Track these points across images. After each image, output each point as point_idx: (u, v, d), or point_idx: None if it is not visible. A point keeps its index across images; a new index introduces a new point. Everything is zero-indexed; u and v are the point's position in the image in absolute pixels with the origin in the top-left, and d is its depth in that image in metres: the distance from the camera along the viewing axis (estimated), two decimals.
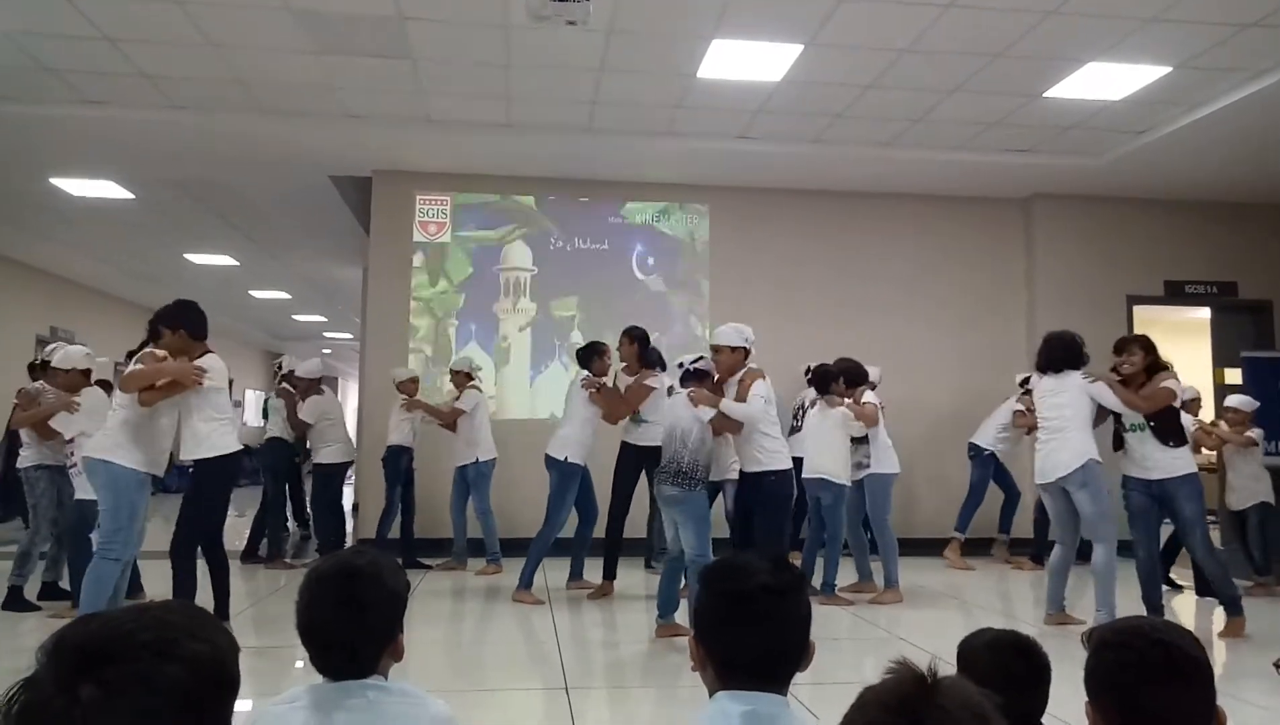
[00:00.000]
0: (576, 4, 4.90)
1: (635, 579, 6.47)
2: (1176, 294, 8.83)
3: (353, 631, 1.52)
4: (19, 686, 0.91)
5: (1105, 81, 6.25)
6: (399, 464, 7.13)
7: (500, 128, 7.25)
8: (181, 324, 4.53)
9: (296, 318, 17.64)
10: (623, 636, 5.09)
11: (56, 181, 8.55)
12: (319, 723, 1.47)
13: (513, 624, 5.22)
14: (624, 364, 6.18)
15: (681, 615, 4.78)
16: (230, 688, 1.02)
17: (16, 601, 5.31)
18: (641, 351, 6.10)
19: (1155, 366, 5.02)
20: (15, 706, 0.90)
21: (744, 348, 4.94)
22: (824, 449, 5.81)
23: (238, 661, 1.04)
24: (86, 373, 5.55)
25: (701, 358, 4.95)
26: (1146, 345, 5.07)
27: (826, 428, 5.85)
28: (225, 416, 4.63)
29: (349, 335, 18.30)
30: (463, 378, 7.01)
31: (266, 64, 6.11)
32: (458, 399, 6.96)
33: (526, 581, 5.77)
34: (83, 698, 0.89)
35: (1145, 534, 5.06)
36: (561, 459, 5.83)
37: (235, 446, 4.64)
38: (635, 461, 6.03)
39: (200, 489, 4.62)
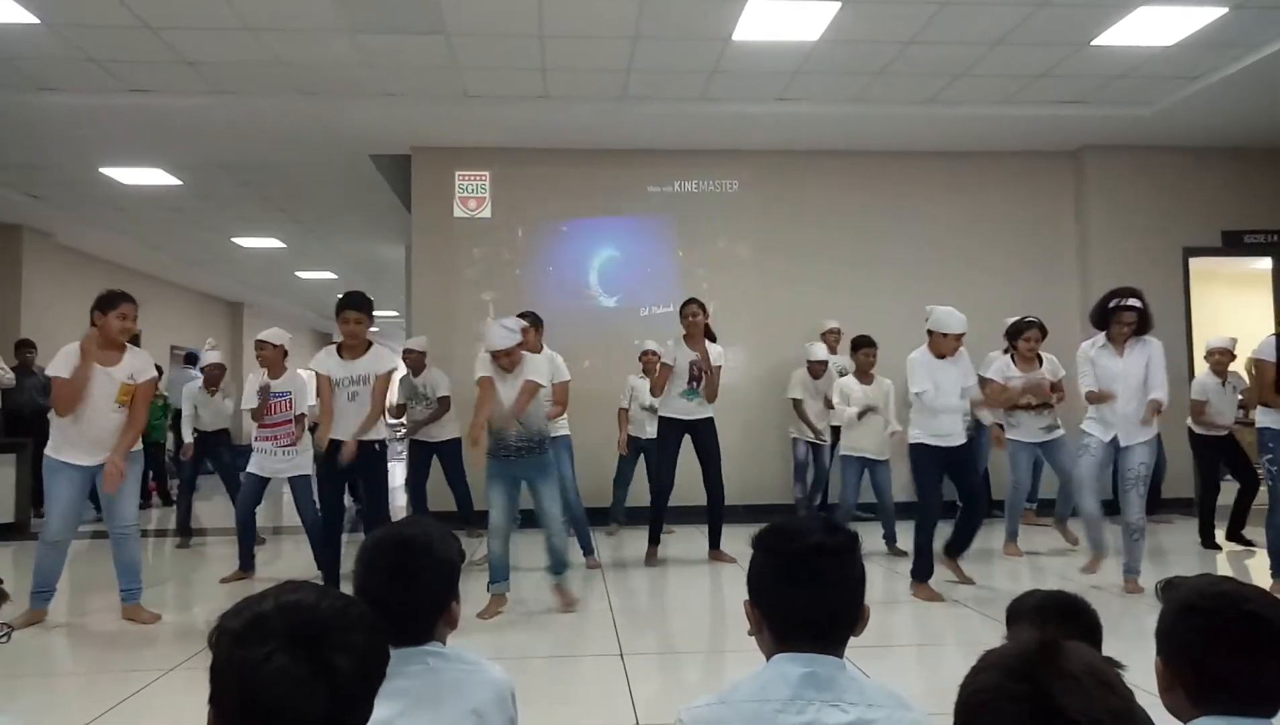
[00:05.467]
0: None
1: (685, 546, 6.52)
2: (1235, 244, 8.56)
3: (406, 599, 1.54)
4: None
5: (1156, 26, 6.04)
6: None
7: (537, 100, 7.23)
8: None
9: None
10: (674, 602, 5.13)
11: (106, 170, 8.74)
12: (379, 689, 1.50)
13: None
14: (685, 333, 6.00)
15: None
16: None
17: None
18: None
19: None
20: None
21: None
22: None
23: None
24: None
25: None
26: None
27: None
28: None
29: (394, 312, 18.49)
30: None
31: (304, 45, 6.16)
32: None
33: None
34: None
35: None
36: None
37: None
38: (678, 433, 6.04)
39: None
